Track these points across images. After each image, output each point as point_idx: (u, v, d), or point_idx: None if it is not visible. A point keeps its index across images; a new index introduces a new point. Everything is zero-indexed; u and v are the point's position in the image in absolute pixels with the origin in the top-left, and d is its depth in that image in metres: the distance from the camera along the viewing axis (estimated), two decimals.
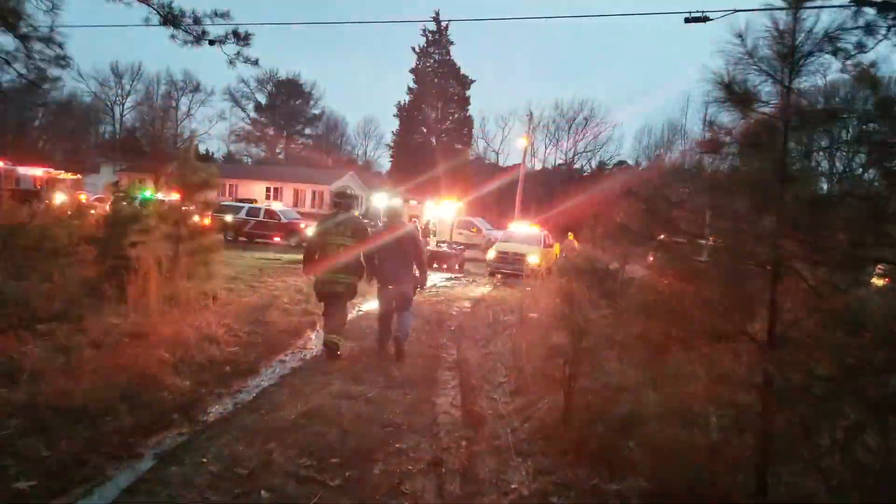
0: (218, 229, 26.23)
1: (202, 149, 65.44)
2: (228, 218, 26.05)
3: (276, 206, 29.15)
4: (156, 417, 4.62)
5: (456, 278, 19.30)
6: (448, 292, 15.15)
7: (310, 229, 26.04)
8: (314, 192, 48.43)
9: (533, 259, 21.41)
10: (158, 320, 6.88)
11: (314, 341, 8.19)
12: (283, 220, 26.41)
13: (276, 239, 25.76)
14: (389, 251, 7.36)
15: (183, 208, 9.75)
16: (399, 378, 6.45)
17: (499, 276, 20.49)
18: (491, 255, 21.90)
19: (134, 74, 63.66)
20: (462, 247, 23.99)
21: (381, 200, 29.09)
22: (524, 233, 23.60)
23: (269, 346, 7.44)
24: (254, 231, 26.11)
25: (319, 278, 7.22)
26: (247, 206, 27.37)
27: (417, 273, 7.58)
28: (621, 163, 58.29)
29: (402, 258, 7.42)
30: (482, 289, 17.01)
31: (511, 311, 11.96)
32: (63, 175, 31.58)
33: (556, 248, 23.47)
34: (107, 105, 64.52)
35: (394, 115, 55.79)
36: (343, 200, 7.65)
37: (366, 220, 10.73)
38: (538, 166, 57.70)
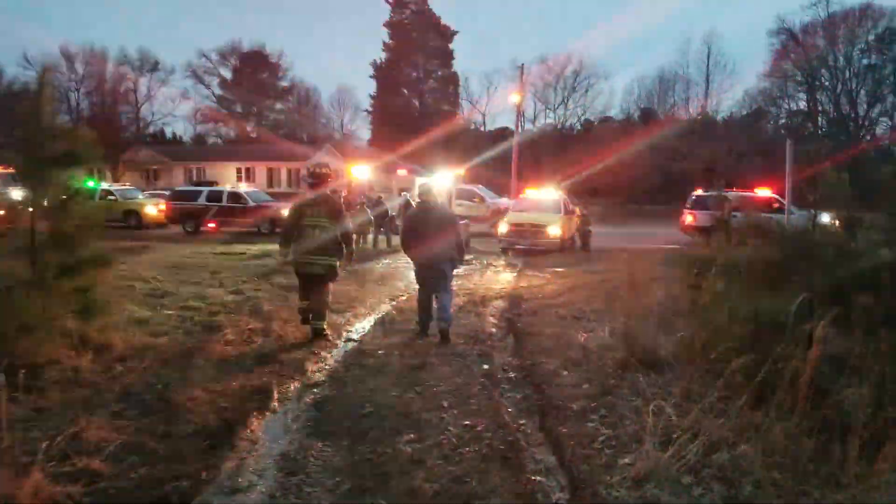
0: (174, 219, 22.57)
1: (168, 132, 60.76)
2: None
3: (243, 187, 24.89)
4: None
5: (465, 260, 15.34)
6: (464, 285, 11.26)
7: (284, 212, 22.11)
8: (289, 171, 44.36)
9: (554, 230, 17.70)
10: None
11: (265, 446, 4.25)
12: (251, 204, 22.19)
13: (245, 226, 21.70)
14: (426, 230, 7.20)
15: (37, 201, 5.75)
16: None
17: (510, 252, 17.26)
18: (503, 228, 18.23)
19: (86, 57, 58.21)
20: (466, 220, 20.00)
21: (363, 173, 25.24)
22: (540, 199, 19.62)
23: None
24: (216, 219, 22.05)
25: (296, 259, 6.96)
26: (206, 189, 23.11)
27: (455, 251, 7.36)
28: (606, 118, 54.05)
29: (439, 236, 7.16)
30: (504, 276, 13.14)
31: (580, 316, 8.14)
32: None
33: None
34: (60, 92, 59.06)
35: (370, 76, 51.24)
36: (317, 179, 7.27)
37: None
38: (527, 127, 53.24)
